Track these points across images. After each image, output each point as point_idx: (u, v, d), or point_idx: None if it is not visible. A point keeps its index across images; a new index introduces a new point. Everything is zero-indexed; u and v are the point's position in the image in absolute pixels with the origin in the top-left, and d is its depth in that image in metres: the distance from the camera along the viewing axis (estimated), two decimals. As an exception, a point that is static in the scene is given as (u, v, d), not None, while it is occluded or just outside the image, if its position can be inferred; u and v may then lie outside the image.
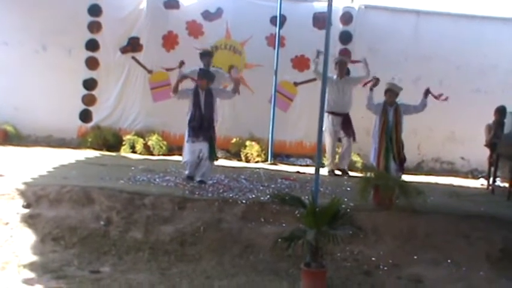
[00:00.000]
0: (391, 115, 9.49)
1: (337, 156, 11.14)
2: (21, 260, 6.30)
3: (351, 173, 10.81)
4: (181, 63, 9.69)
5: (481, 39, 12.69)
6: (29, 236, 6.78)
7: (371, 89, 9.81)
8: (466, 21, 12.90)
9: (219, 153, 11.24)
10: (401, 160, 9.51)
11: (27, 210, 7.15)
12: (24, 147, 11.37)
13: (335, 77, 10.74)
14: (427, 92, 9.62)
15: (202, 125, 8.71)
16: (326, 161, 11.08)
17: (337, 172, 10.96)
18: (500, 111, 10.75)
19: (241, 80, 9.19)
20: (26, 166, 8.97)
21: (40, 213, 7.12)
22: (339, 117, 10.75)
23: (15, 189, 7.41)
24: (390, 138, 9.44)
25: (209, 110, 8.82)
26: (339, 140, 10.98)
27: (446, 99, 9.74)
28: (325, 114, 10.57)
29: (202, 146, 8.67)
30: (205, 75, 8.97)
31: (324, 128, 10.48)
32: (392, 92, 9.53)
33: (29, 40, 12.26)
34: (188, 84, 9.57)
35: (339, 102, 10.71)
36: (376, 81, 9.95)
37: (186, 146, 8.90)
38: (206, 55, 10.44)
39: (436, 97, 9.69)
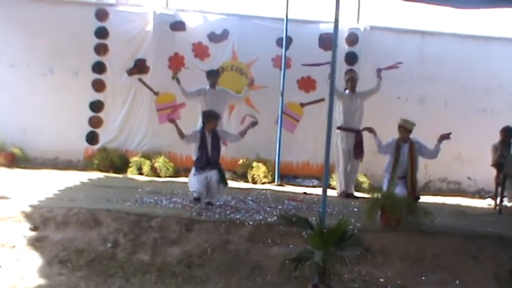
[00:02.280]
0: (405, 152, 9.19)
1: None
2: (28, 283, 6.28)
3: (358, 194, 10.76)
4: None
5: (487, 59, 12.74)
6: (36, 259, 6.76)
7: (375, 135, 9.48)
8: (471, 41, 12.95)
9: (226, 174, 11.29)
10: (414, 198, 8.89)
11: (34, 233, 7.13)
12: (31, 170, 11.39)
13: (347, 92, 10.75)
14: (443, 138, 9.21)
15: (208, 164, 8.76)
16: (335, 182, 11.07)
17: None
18: (506, 131, 10.74)
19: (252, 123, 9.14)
20: (32, 188, 8.98)
21: (47, 235, 7.10)
22: (351, 134, 10.69)
23: (22, 212, 7.40)
24: (404, 175, 9.14)
25: (216, 152, 8.90)
26: None
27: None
28: (337, 132, 10.61)
29: (211, 173, 8.66)
30: (211, 117, 8.99)
31: (337, 146, 10.60)
32: (403, 128, 9.22)
33: (35, 62, 12.36)
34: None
35: (352, 118, 10.69)
36: (372, 131, 9.56)
37: (193, 178, 8.87)
38: (213, 74, 10.55)
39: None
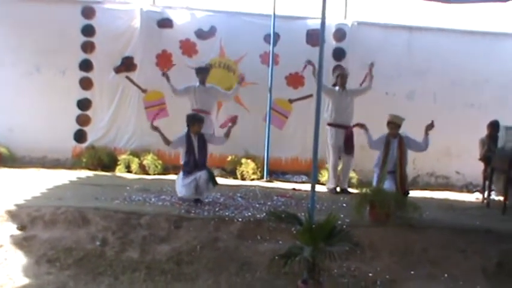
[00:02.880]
0: (394, 147, 9.20)
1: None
2: (16, 283, 6.26)
3: (351, 190, 10.77)
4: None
5: (474, 53, 12.76)
6: (24, 259, 6.73)
7: (366, 131, 9.47)
8: (459, 36, 12.97)
9: (215, 172, 11.29)
10: (403, 193, 8.98)
11: (21, 232, 7.10)
12: (18, 169, 11.31)
13: (337, 88, 10.75)
14: (429, 129, 9.18)
15: (196, 167, 8.72)
16: (324, 177, 11.07)
17: (338, 189, 10.87)
18: (494, 125, 10.80)
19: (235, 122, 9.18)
20: (20, 188, 8.93)
21: (35, 235, 7.07)
22: (342, 131, 10.66)
23: (9, 211, 7.37)
24: (393, 170, 9.15)
25: (203, 155, 8.88)
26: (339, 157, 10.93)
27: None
28: (328, 128, 10.61)
29: (199, 173, 8.61)
30: (196, 120, 8.93)
31: (326, 142, 10.61)
32: (393, 124, 9.25)
33: (22, 61, 12.26)
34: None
35: (342, 114, 10.65)
36: (363, 127, 9.54)
37: (181, 183, 8.76)
38: (202, 71, 10.56)
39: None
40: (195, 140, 8.83)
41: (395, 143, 9.20)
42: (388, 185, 8.80)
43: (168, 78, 10.55)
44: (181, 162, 8.93)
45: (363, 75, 10.81)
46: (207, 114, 10.39)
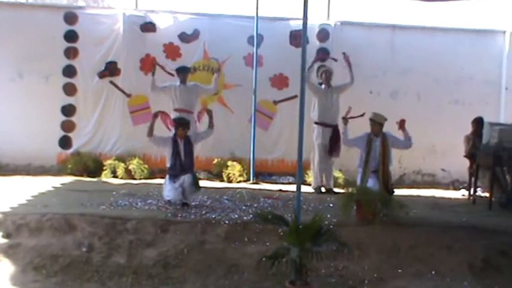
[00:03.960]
0: (377, 146, 9.20)
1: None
2: (2, 291, 6.23)
3: (336, 190, 10.78)
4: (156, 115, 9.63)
5: (457, 51, 12.84)
6: (9, 267, 6.69)
7: (345, 123, 9.51)
8: (441, 34, 13.02)
9: (201, 175, 11.28)
10: (388, 192, 8.97)
11: (6, 241, 7.06)
12: (2, 177, 11.21)
13: (323, 86, 10.77)
14: (401, 125, 9.26)
15: (182, 170, 8.74)
16: (310, 178, 11.08)
17: (323, 189, 10.92)
18: (478, 122, 10.84)
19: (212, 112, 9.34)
20: (5, 195, 8.87)
21: (20, 242, 7.03)
22: (328, 129, 10.70)
23: (-6, 219, 7.33)
24: (376, 169, 9.14)
25: (189, 158, 8.91)
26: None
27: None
28: (315, 126, 10.63)
29: (185, 177, 8.62)
30: (182, 124, 8.97)
31: (313, 140, 10.64)
32: (374, 122, 9.24)
33: (4, 68, 12.17)
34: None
35: (329, 113, 10.70)
36: (346, 120, 9.56)
37: (168, 186, 8.80)
38: (182, 70, 10.60)
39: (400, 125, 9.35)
40: (181, 143, 8.84)
41: (378, 142, 9.21)
42: (371, 184, 8.85)
43: (154, 72, 10.57)
44: (167, 165, 8.93)
45: (347, 75, 10.78)
46: (189, 113, 10.42)
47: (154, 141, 9.16)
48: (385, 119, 9.27)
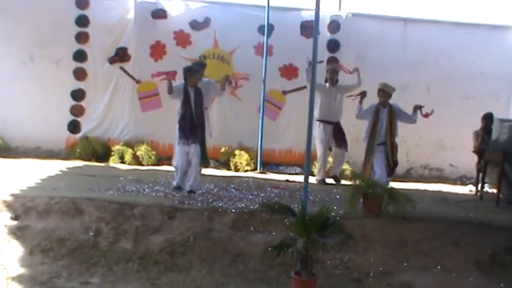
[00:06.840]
0: (384, 116, 9.37)
1: (328, 166, 11.13)
2: (10, 272, 6.26)
3: (342, 181, 10.80)
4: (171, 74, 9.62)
5: (469, 46, 12.76)
6: (18, 249, 6.75)
7: (360, 102, 9.74)
8: (454, 28, 12.95)
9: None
10: (393, 164, 9.45)
11: (15, 223, 7.10)
12: (12, 159, 11.30)
13: (327, 85, 10.76)
14: (417, 109, 9.52)
15: (192, 124, 8.69)
16: (315, 170, 11.09)
17: (328, 181, 10.92)
18: (488, 118, 10.80)
19: (232, 80, 9.38)
20: (14, 178, 8.91)
21: (29, 225, 7.08)
22: (330, 126, 10.73)
23: (3, 201, 7.36)
24: (384, 141, 9.32)
25: (199, 108, 8.83)
26: (330, 149, 10.96)
27: (431, 113, 9.63)
28: (316, 123, 10.62)
29: (193, 149, 8.65)
30: (193, 71, 8.96)
31: (314, 136, 10.62)
32: (384, 92, 9.43)
33: (16, 52, 12.23)
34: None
35: (331, 110, 10.72)
36: (364, 94, 9.80)
37: (177, 149, 8.87)
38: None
39: (424, 116, 9.58)
40: (192, 92, 8.80)
41: (385, 113, 9.39)
42: (378, 155, 9.02)
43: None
44: (177, 117, 8.86)
45: (354, 77, 10.74)
46: (205, 110, 10.35)
47: (174, 95, 8.97)
48: (394, 90, 9.50)
